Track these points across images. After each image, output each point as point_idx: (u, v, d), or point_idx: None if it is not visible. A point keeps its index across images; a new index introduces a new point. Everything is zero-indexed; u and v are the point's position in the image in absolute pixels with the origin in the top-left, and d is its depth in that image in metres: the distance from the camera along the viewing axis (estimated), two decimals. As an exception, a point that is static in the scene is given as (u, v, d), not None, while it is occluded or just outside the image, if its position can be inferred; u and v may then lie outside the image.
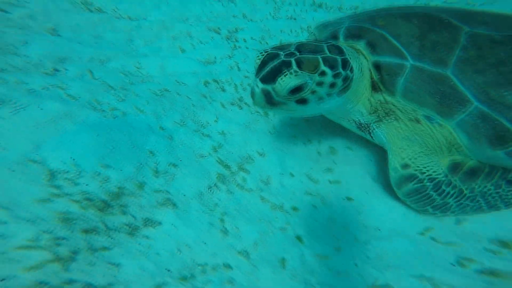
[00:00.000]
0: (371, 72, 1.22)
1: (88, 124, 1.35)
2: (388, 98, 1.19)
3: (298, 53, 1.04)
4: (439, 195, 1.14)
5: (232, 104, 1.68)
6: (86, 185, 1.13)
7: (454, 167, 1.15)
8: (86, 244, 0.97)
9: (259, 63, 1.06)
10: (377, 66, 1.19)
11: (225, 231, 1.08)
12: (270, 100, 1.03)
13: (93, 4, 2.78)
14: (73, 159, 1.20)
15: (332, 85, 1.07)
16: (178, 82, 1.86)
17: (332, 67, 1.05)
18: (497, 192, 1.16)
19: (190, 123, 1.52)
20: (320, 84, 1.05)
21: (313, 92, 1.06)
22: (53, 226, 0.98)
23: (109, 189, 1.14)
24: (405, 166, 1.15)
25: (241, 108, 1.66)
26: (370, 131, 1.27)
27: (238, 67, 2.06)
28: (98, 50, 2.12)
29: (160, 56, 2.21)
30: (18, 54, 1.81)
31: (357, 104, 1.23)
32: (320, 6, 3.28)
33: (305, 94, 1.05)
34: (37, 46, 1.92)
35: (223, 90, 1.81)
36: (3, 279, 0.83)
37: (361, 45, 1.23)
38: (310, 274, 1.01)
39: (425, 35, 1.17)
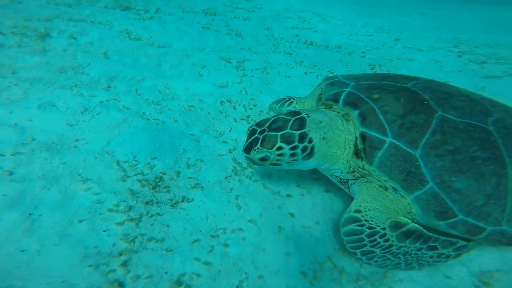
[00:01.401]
0: (356, 140, 1.30)
1: (140, 128, 1.73)
2: (366, 166, 1.27)
3: (267, 130, 1.26)
4: (371, 242, 1.19)
5: (242, 119, 2.10)
6: (141, 170, 1.50)
7: (396, 225, 1.20)
8: (146, 212, 1.32)
9: (247, 135, 1.33)
10: (363, 137, 1.26)
11: (238, 207, 1.45)
12: (253, 162, 1.31)
13: (132, 33, 3.22)
14: (132, 152, 1.58)
15: (292, 155, 1.24)
16: (200, 100, 2.27)
17: (288, 142, 1.22)
18: (416, 254, 1.20)
19: (211, 132, 1.92)
20: (280, 155, 1.24)
21: (278, 160, 1.26)
22: (125, 197, 1.34)
23: (156, 174, 1.51)
24: (357, 211, 1.24)
25: (249, 123, 2.08)
26: (349, 186, 1.38)
27: (246, 91, 2.49)
28: (136, 71, 2.53)
29: (183, 78, 2.62)
30: (84, 73, 2.21)
31: (335, 164, 1.34)
32: (311, 44, 3.82)
33: (271, 161, 1.26)
34: (96, 67, 2.32)
35: (235, 108, 2.23)
36: (104, 231, 1.18)
37: (354, 114, 1.30)
38: (298, 238, 1.34)
39: (406, 115, 1.22)
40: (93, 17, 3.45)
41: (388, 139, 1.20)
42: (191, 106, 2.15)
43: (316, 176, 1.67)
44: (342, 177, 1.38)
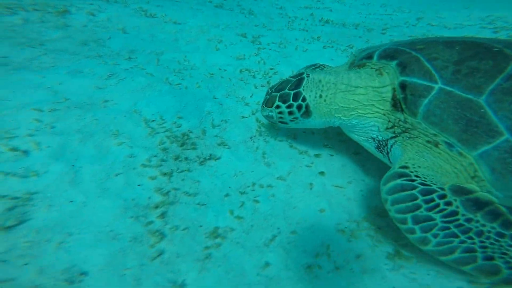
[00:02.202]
0: (394, 91, 1.17)
1: (165, 91, 1.75)
2: (409, 118, 1.11)
3: (273, 91, 1.35)
4: (427, 203, 0.90)
5: (262, 86, 2.07)
6: (169, 128, 1.52)
7: (460, 190, 0.93)
8: (176, 167, 1.35)
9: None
10: (403, 86, 1.12)
11: (266, 164, 1.45)
12: (267, 119, 1.42)
13: (148, 11, 3.21)
14: (158, 112, 1.60)
15: (290, 113, 1.29)
16: (220, 69, 2.26)
17: (284, 101, 1.28)
18: (497, 241, 0.87)
19: (233, 97, 1.91)
20: (280, 113, 1.31)
21: (281, 118, 1.33)
22: (157, 152, 1.37)
23: (183, 132, 1.53)
24: (404, 167, 1.03)
25: (269, 89, 2.06)
26: (388, 150, 1.20)
27: (264, 62, 2.46)
28: (155, 46, 2.53)
29: (200, 52, 2.60)
30: (106, 46, 2.23)
31: (368, 120, 1.23)
32: (327, 22, 3.70)
33: (277, 119, 1.35)
34: (116, 41, 2.35)
35: (254, 77, 2.21)
36: (139, 185, 1.21)
37: (392, 65, 1.19)
38: (330, 196, 1.31)
39: (464, 61, 1.07)
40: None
41: (437, 85, 1.05)
42: (212, 74, 2.14)
43: (344, 138, 1.63)
44: (380, 138, 1.21)
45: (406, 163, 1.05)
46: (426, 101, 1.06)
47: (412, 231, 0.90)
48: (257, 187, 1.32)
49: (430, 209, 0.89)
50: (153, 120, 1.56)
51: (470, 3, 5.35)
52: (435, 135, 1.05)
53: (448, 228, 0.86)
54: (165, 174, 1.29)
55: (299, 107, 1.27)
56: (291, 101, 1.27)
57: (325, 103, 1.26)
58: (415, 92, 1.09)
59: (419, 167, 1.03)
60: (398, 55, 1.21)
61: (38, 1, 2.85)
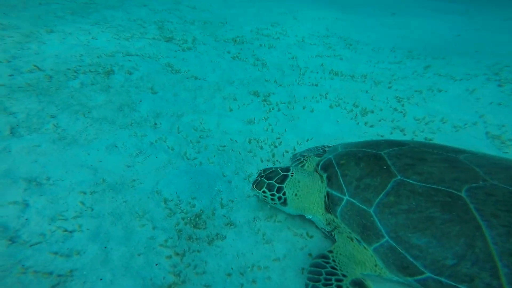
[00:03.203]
0: (325, 197, 1.56)
1: (183, 170, 2.02)
2: (335, 219, 1.50)
3: (264, 176, 1.68)
4: (326, 280, 1.30)
5: (268, 160, 2.30)
6: (184, 209, 1.77)
7: (358, 283, 1.29)
8: (188, 247, 1.58)
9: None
10: (328, 195, 1.54)
11: (265, 247, 1.63)
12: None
13: (174, 66, 3.61)
14: (176, 193, 1.86)
15: (272, 200, 1.63)
16: (231, 140, 2.51)
17: (269, 190, 1.62)
18: None
19: (241, 173, 2.15)
20: (265, 197, 1.64)
21: (265, 199, 1.66)
22: (173, 234, 1.62)
23: (196, 213, 1.77)
24: (330, 251, 1.44)
25: (274, 164, 2.27)
26: (333, 234, 1.57)
27: (272, 129, 2.69)
28: (177, 107, 2.86)
29: (215, 113, 2.87)
30: (136, 110, 2.59)
31: (315, 216, 1.61)
32: (336, 74, 3.89)
33: (262, 199, 1.70)
34: (145, 104, 2.71)
35: (261, 148, 2.44)
36: (157, 264, 1.45)
37: (325, 176, 1.60)
38: None
39: (362, 178, 1.42)
40: (144, 51, 3.93)
41: (345, 197, 1.43)
42: (223, 146, 2.40)
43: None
44: (327, 230, 1.59)
45: (333, 249, 1.45)
46: (339, 208, 1.45)
47: None
48: (255, 269, 1.50)
49: (325, 285, 1.29)
50: (171, 200, 1.82)
51: (480, 47, 5.34)
52: (350, 232, 1.42)
53: None
54: (178, 254, 1.52)
55: (279, 198, 1.63)
56: (274, 192, 1.62)
57: (298, 200, 1.62)
58: (333, 201, 1.49)
59: (340, 254, 1.42)
60: (329, 168, 1.61)
61: (94, 61, 3.33)
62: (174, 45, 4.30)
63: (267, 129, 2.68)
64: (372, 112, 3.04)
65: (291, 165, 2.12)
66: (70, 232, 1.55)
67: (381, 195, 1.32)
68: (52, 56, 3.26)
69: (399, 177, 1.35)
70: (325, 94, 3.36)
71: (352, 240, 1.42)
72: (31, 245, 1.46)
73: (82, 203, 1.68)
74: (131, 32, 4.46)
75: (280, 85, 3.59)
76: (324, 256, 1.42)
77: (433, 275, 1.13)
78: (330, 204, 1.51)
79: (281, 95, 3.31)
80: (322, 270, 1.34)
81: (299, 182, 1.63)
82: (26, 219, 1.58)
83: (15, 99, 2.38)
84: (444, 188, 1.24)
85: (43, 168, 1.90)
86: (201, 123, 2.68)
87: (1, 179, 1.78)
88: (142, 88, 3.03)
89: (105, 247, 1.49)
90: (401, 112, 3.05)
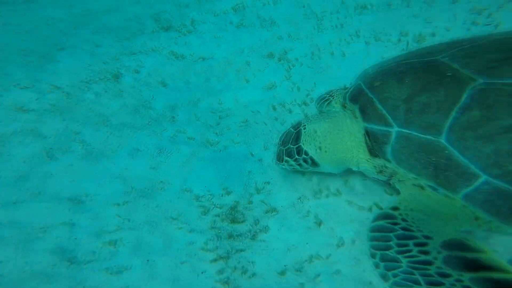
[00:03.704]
0: (365, 137, 1.16)
1: (208, 160, 1.79)
2: (387, 164, 1.10)
3: (280, 145, 1.42)
4: (399, 246, 0.91)
5: (301, 126, 1.87)
6: (217, 203, 1.55)
7: (455, 245, 0.86)
8: (231, 247, 1.36)
9: None
10: (367, 133, 1.13)
11: (322, 232, 1.30)
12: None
13: (177, 53, 3.31)
14: (206, 187, 1.65)
15: (300, 165, 1.33)
16: (253, 112, 2.16)
17: (290, 156, 1.33)
18: None
19: (271, 147, 1.80)
20: (292, 165, 1.35)
21: (294, 168, 1.37)
22: (211, 235, 1.42)
23: (231, 205, 1.54)
24: (394, 208, 1.03)
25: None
26: (392, 184, 1.18)
27: (298, 88, 2.22)
28: (191, 94, 2.60)
29: (232, 89, 2.54)
30: (152, 108, 2.42)
31: (360, 166, 1.24)
32: (364, 7, 3.01)
33: (292, 169, 1.40)
34: (159, 99, 2.52)
35: (290, 112, 2.02)
36: (203, 272, 1.28)
37: (357, 110, 1.19)
38: None
39: (414, 96, 0.99)
40: (146, 46, 3.71)
41: (394, 129, 1.01)
42: (246, 121, 2.07)
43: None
44: (382, 180, 1.19)
45: (399, 204, 1.06)
46: (389, 148, 1.03)
47: (377, 266, 0.95)
48: (316, 262, 1.20)
49: (400, 252, 0.91)
50: (203, 196, 1.62)
51: None
52: (415, 178, 1.00)
53: (412, 273, 0.84)
54: (222, 258, 1.32)
55: (305, 161, 1.31)
56: (296, 156, 1.31)
57: (327, 154, 1.26)
58: (377, 140, 1.08)
59: (411, 210, 1.01)
60: (359, 97, 1.18)
61: (102, 68, 3.23)
62: (173, 32, 3.95)
63: (292, 89, 2.22)
64: (433, 35, 2.22)
65: (317, 107, 1.69)
66: (115, 246, 1.49)
67: (454, 113, 0.88)
68: (65, 72, 3.29)
69: (480, 80, 0.90)
70: (356, 33, 2.64)
71: (423, 188, 1.00)
72: (85, 264, 1.46)
73: (118, 215, 1.61)
74: (131, 31, 4.27)
75: (297, 38, 2.97)
76: (387, 216, 1.03)
77: None
78: (375, 145, 1.10)
79: (300, 49, 2.72)
80: (391, 235, 0.96)
81: (315, 132, 1.29)
82: (76, 238, 1.59)
83: (44, 122, 2.45)
84: None
85: (80, 185, 1.90)
86: (219, 103, 2.38)
87: (51, 202, 1.84)
88: (153, 84, 2.84)
89: (148, 260, 1.38)
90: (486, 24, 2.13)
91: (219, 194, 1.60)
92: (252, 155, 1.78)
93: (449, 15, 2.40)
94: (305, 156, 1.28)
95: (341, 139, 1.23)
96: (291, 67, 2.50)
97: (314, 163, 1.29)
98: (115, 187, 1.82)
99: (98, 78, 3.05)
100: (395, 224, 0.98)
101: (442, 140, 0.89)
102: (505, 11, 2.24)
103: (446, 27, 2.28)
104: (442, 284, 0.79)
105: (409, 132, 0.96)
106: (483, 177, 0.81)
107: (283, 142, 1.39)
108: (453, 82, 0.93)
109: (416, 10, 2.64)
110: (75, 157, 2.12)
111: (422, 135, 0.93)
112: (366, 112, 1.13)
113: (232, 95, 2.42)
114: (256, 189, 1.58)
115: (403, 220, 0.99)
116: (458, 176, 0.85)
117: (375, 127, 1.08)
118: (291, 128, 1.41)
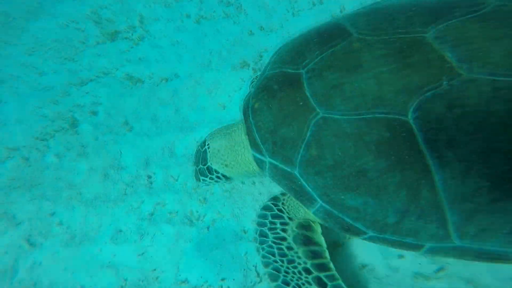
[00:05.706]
0: None
1: (196, 243, 1.58)
2: None
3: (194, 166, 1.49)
4: (271, 224, 1.19)
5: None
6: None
7: (304, 225, 1.17)
8: None
9: None
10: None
11: None
12: None
13: (133, 77, 2.71)
14: (202, 277, 1.49)
15: (216, 181, 1.44)
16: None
17: (203, 175, 1.43)
18: (300, 273, 1.09)
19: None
20: (209, 183, 1.47)
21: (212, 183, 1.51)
22: None
23: (234, 297, 1.40)
24: (283, 194, 1.25)
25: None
26: None
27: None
28: (163, 137, 2.21)
29: (207, 120, 2.13)
30: (122, 167, 2.10)
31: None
32: None
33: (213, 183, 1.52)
34: (128, 153, 2.17)
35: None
36: None
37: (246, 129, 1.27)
38: None
39: (277, 129, 1.07)
40: (95, 68, 3.02)
41: (267, 159, 1.13)
42: (233, 188, 1.71)
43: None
44: None
45: (284, 195, 1.28)
46: (268, 172, 1.15)
47: (255, 239, 1.23)
48: None
49: (270, 229, 1.19)
50: (201, 286, 1.48)
51: None
52: None
53: (272, 247, 1.14)
54: None
55: (218, 177, 1.41)
56: (209, 175, 1.41)
57: (234, 169, 1.35)
58: (258, 163, 1.20)
59: (290, 198, 1.24)
60: (245, 118, 1.22)
61: (54, 113, 2.65)
62: (122, 41, 3.14)
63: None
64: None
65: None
66: None
67: (301, 150, 1.01)
68: (15, 123, 2.75)
69: (320, 113, 0.97)
70: (341, 11, 2.02)
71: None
72: None
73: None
74: (72, 45, 3.42)
75: (271, 30, 2.33)
76: (275, 198, 1.28)
77: (377, 234, 0.96)
78: (259, 166, 1.21)
79: (276, 44, 2.14)
80: (268, 213, 1.22)
81: (219, 151, 1.35)
82: None
83: (13, 203, 2.18)
84: (381, 115, 0.86)
85: (73, 275, 1.77)
86: (196, 143, 2.02)
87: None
88: (116, 130, 2.39)
89: None
90: None
91: (218, 285, 1.45)
92: (244, 232, 1.55)
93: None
94: (216, 174, 1.38)
95: (241, 154, 1.31)
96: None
97: (228, 178, 1.42)
98: (108, 278, 1.69)
99: (53, 130, 2.57)
100: (276, 205, 1.23)
101: (296, 172, 1.04)
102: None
103: None
104: (286, 255, 1.11)
105: (276, 163, 1.10)
106: (319, 202, 1.03)
107: (195, 162, 1.47)
108: (303, 114, 1.00)
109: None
110: (58, 243, 1.93)
111: (284, 167, 1.08)
112: (249, 136, 1.20)
113: (210, 130, 2.02)
114: (258, 275, 1.42)
115: (282, 204, 1.24)
116: (307, 200, 1.06)
117: (255, 154, 1.18)
118: (199, 147, 1.46)
